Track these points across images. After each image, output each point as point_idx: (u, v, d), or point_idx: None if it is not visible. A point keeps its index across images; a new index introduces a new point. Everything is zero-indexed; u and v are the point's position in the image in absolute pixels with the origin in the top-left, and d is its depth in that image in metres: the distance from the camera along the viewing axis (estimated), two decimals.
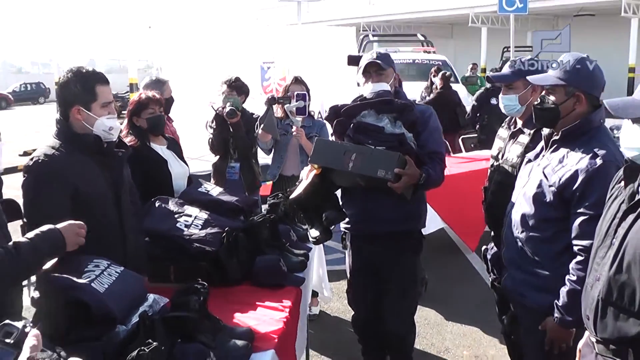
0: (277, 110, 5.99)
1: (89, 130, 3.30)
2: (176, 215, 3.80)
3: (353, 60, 5.64)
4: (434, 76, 11.80)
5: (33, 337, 1.44)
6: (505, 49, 23.52)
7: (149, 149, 4.62)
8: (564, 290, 3.08)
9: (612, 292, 2.45)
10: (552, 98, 3.26)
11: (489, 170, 4.26)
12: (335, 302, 6.37)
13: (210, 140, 6.15)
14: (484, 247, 4.29)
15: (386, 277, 4.20)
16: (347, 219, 4.22)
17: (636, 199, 2.45)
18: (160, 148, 4.73)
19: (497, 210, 3.78)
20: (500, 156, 4.08)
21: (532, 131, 3.85)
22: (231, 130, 5.97)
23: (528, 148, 3.72)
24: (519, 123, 4.04)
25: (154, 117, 4.66)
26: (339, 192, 4.35)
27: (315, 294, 5.83)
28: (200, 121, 6.52)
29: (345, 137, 4.04)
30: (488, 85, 10.40)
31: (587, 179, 3.02)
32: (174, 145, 4.94)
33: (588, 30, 24.48)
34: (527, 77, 3.59)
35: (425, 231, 6.09)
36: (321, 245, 4.93)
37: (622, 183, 2.59)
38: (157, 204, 3.87)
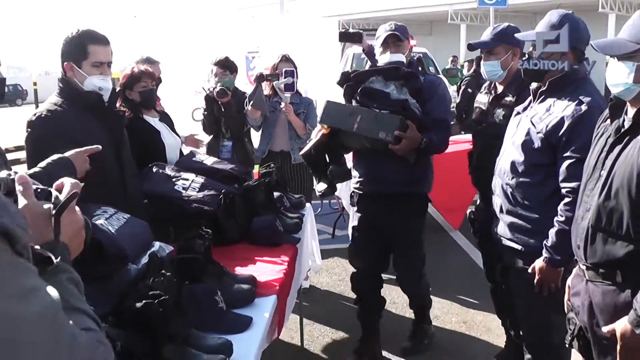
0: (266, 88, 6.10)
1: (80, 87, 3.41)
2: (174, 179, 3.90)
3: (345, 37, 5.73)
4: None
5: (19, 183, 1.50)
6: None
7: (142, 120, 4.68)
8: (552, 231, 3.21)
9: (602, 219, 2.61)
10: (538, 53, 3.38)
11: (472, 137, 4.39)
12: (325, 277, 6.50)
13: (203, 121, 6.24)
14: (469, 210, 4.45)
15: (391, 234, 4.47)
16: (355, 179, 4.49)
17: (622, 131, 2.61)
18: (153, 120, 4.80)
19: (484, 172, 3.90)
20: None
21: (515, 96, 3.95)
22: (222, 110, 6.06)
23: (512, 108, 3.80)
24: (499, 88, 4.13)
25: (147, 91, 4.72)
26: (350, 155, 4.61)
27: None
28: (185, 109, 6.62)
29: (354, 100, 4.28)
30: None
31: (572, 124, 3.16)
32: (166, 118, 5.01)
33: None
34: (517, 35, 3.75)
35: None
36: (313, 218, 5.06)
37: (608, 121, 2.75)
38: (154, 169, 3.97)
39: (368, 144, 4.10)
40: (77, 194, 1.60)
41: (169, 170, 4.01)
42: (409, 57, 4.39)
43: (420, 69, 4.52)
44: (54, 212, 1.50)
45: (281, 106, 6.02)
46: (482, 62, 4.16)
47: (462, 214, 7.70)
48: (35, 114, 3.34)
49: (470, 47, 4.22)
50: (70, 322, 1.24)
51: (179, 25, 9.50)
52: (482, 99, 4.29)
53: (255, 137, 6.53)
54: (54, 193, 1.57)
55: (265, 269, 3.35)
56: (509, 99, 4.00)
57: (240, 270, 3.27)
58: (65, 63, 3.41)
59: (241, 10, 30.71)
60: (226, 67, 6.22)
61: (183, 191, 3.81)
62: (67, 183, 1.65)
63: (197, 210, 3.69)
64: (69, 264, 1.48)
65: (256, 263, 3.45)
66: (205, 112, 6.19)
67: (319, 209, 8.22)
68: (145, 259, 2.70)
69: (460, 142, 7.64)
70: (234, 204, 3.83)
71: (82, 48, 3.41)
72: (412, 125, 4.02)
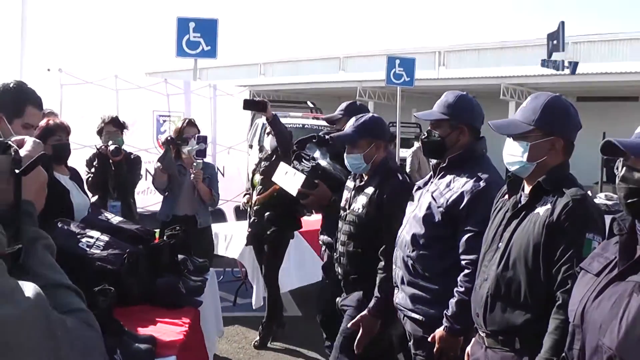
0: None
1: None
2: (78, 236, 3.85)
3: (249, 105, 5.92)
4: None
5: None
6: (391, 124, 24.39)
7: (52, 177, 4.61)
8: (452, 301, 3.34)
9: (500, 288, 2.78)
10: (437, 132, 3.62)
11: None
12: (224, 345, 6.41)
13: (89, 179, 6.11)
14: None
15: None
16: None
17: (519, 206, 2.80)
18: (63, 178, 4.74)
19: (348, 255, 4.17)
20: (347, 206, 4.27)
21: (377, 189, 4.07)
22: (113, 168, 6.04)
23: (372, 199, 4.02)
24: (365, 177, 4.22)
25: (60, 145, 4.68)
26: None
27: None
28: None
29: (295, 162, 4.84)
30: None
31: (472, 199, 3.36)
32: (76, 176, 4.97)
33: None
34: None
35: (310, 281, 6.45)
36: (215, 283, 5.07)
37: (506, 197, 2.95)
38: (59, 225, 3.91)
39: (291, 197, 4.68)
40: (46, 155, 1.50)
41: (74, 227, 3.95)
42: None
43: None
44: (17, 170, 1.38)
45: (191, 171, 6.07)
46: (345, 155, 4.24)
47: None
48: None
49: (337, 140, 4.39)
50: (57, 312, 1.26)
51: (91, 81, 9.36)
52: (349, 185, 4.41)
53: (145, 200, 6.55)
54: (13, 146, 1.44)
55: (166, 330, 3.34)
56: (370, 190, 4.08)
57: (140, 330, 3.25)
58: None
59: (153, 74, 30.72)
60: (118, 125, 6.23)
61: (87, 249, 3.76)
62: (30, 140, 1.56)
63: (100, 268, 3.65)
64: (37, 225, 1.45)
65: (157, 324, 3.43)
66: (96, 170, 6.10)
67: (222, 277, 8.19)
68: None
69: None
70: (137, 263, 3.81)
71: (19, 106, 3.30)
72: (321, 184, 4.56)
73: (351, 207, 4.19)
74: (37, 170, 1.47)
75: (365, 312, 3.93)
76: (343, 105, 5.12)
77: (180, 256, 4.35)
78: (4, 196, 1.36)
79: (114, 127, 6.20)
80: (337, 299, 4.30)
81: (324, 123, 18.76)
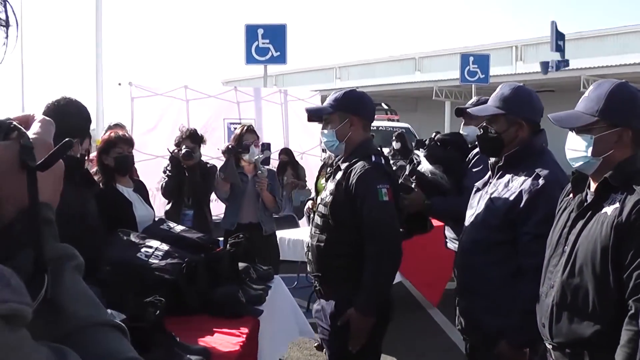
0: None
1: None
2: (138, 246, 3.84)
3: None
4: (395, 141, 11.97)
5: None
6: None
7: (115, 190, 4.64)
8: (515, 311, 3.13)
9: (566, 297, 2.56)
10: (493, 128, 3.40)
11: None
12: (296, 352, 6.33)
13: (164, 184, 6.19)
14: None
15: None
16: None
17: (584, 205, 2.58)
18: (126, 190, 4.76)
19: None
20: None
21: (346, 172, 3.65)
22: (186, 174, 6.06)
23: (339, 184, 3.63)
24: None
25: (122, 157, 4.70)
26: None
27: None
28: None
29: None
30: None
31: (530, 199, 3.12)
32: (141, 188, 4.98)
33: (549, 108, 25.09)
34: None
35: None
36: (285, 289, 4.98)
37: (571, 195, 2.73)
38: (119, 235, 3.91)
39: None
40: (70, 142, 1.06)
41: (133, 237, 3.95)
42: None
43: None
44: (30, 163, 0.99)
45: (257, 180, 6.03)
46: (320, 131, 3.90)
47: (441, 290, 7.60)
48: None
49: (309, 116, 4.05)
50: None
51: (162, 92, 9.51)
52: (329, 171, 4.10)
53: (216, 208, 6.55)
54: (20, 128, 1.04)
55: (222, 341, 3.25)
56: (339, 175, 3.69)
57: (195, 341, 3.18)
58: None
59: (228, 82, 31.14)
60: (196, 140, 6.25)
61: (146, 259, 3.74)
62: (38, 118, 1.13)
63: (158, 278, 3.62)
64: (58, 236, 1.07)
65: (213, 334, 3.35)
66: (170, 175, 6.15)
67: (295, 282, 8.12)
68: None
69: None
70: (196, 273, 3.76)
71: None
72: (416, 188, 4.27)
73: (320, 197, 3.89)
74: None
75: (352, 310, 3.52)
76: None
77: (242, 264, 4.29)
78: (12, 199, 0.99)
79: (191, 142, 6.21)
80: None
81: (399, 124, 18.74)
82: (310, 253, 3.81)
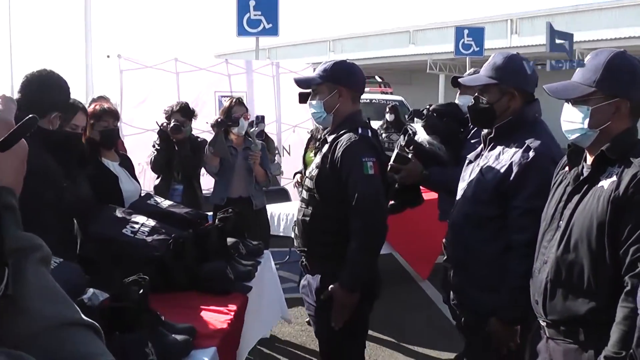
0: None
1: None
2: (123, 222, 3.76)
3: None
4: (389, 113, 11.89)
5: None
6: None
7: (100, 164, 4.55)
8: (505, 287, 3.06)
9: (561, 273, 2.49)
10: (485, 98, 3.30)
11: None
12: (287, 327, 6.28)
13: (153, 158, 6.11)
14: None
15: None
16: None
17: (580, 179, 2.50)
18: (112, 164, 4.67)
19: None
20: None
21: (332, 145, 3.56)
22: (176, 148, 5.96)
23: (325, 157, 3.55)
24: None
25: (107, 130, 4.60)
26: None
27: None
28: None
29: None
30: None
31: (520, 172, 3.04)
32: (126, 162, 4.89)
33: (543, 81, 24.97)
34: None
35: None
36: (273, 266, 4.92)
37: (566, 169, 2.65)
38: (103, 211, 3.83)
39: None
40: (34, 119, 1.02)
41: (119, 213, 3.87)
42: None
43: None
44: None
45: (251, 153, 5.95)
46: (308, 102, 3.79)
47: (431, 263, 7.56)
48: None
49: (300, 88, 3.95)
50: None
51: (152, 64, 9.37)
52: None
53: (206, 183, 6.47)
54: None
55: (209, 318, 3.18)
56: (325, 149, 3.61)
57: (182, 318, 3.11)
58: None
59: (221, 56, 30.94)
60: (187, 114, 6.14)
61: (132, 235, 3.66)
62: None
63: (144, 254, 3.54)
64: (21, 224, 1.00)
65: (201, 312, 3.27)
66: (158, 149, 6.05)
67: (287, 257, 8.06)
68: None
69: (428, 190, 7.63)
70: (183, 249, 3.69)
71: None
72: (413, 159, 4.06)
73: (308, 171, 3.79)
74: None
75: (337, 285, 3.44)
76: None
77: (231, 240, 4.22)
78: None
79: (182, 116, 6.09)
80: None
81: (392, 97, 18.62)
82: (296, 227, 3.73)
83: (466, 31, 18.87)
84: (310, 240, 3.61)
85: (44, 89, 3.32)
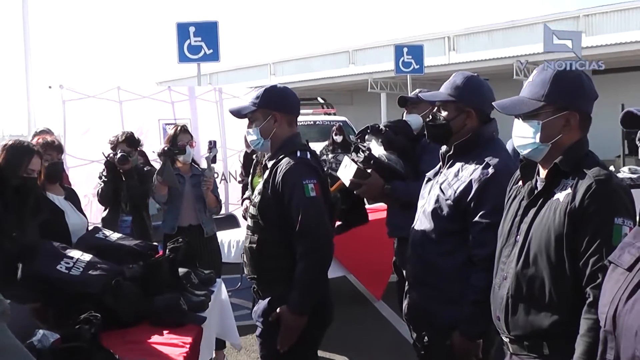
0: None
1: None
2: (57, 258, 3.61)
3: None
4: (335, 134, 11.91)
5: None
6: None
7: (45, 198, 4.45)
8: (466, 301, 3.08)
9: (522, 287, 2.49)
10: (443, 114, 3.37)
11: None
12: (243, 356, 6.21)
13: (100, 190, 6.02)
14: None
15: None
16: None
17: (535, 193, 2.53)
18: (57, 198, 4.58)
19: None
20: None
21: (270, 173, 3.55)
22: (123, 179, 5.89)
23: (266, 183, 3.52)
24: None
25: (51, 165, 4.52)
26: None
27: (221, 346, 5.73)
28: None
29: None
30: None
31: (480, 188, 3.09)
32: (72, 195, 4.80)
33: None
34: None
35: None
36: (225, 294, 4.87)
37: (520, 183, 2.68)
38: (39, 246, 3.70)
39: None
40: None
41: (53, 248, 3.73)
42: (426, 117, 4.03)
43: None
44: None
45: (205, 179, 5.95)
46: (246, 130, 3.77)
47: (384, 283, 7.57)
48: None
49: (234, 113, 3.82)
50: None
51: (95, 94, 9.25)
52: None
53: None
54: None
55: (165, 352, 3.12)
56: (266, 175, 3.59)
57: (136, 354, 3.04)
58: None
59: (163, 83, 30.73)
60: (132, 144, 6.11)
61: (65, 271, 3.51)
62: None
63: (78, 292, 3.40)
64: None
65: (155, 346, 3.21)
66: (105, 180, 5.97)
67: (239, 284, 7.97)
68: None
69: (378, 209, 7.66)
70: (121, 285, 3.57)
71: None
72: (373, 173, 4.23)
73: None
74: None
75: (284, 307, 3.39)
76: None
77: (182, 270, 4.15)
78: None
79: (127, 146, 6.03)
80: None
81: (336, 118, 18.72)
82: (244, 255, 3.68)
83: (405, 49, 19.07)
84: (259, 266, 3.56)
85: None
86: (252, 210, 3.60)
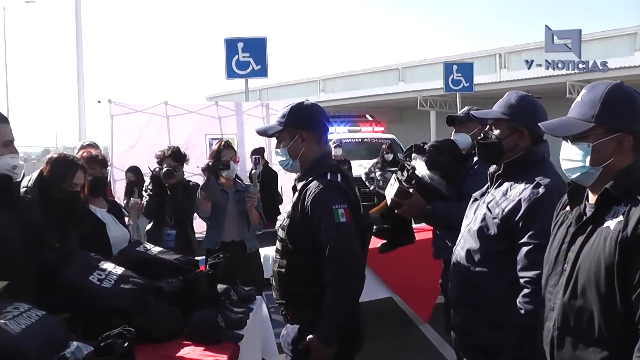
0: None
1: None
2: (90, 269, 3.58)
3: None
4: (386, 152, 11.87)
5: None
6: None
7: (87, 211, 4.47)
8: (512, 326, 2.94)
9: (569, 320, 2.33)
10: (495, 132, 3.27)
11: None
12: None
13: (145, 203, 6.06)
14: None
15: None
16: None
17: (583, 219, 2.39)
18: (99, 211, 4.61)
19: None
20: None
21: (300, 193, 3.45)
22: (168, 193, 5.91)
23: (295, 205, 3.41)
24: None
25: (95, 179, 4.55)
26: None
27: None
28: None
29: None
30: None
31: (529, 208, 2.96)
32: (115, 209, 4.82)
33: None
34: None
35: (371, 297, 6.06)
36: (265, 311, 4.82)
37: (568, 208, 2.53)
38: (73, 257, 3.69)
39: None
40: None
41: (89, 259, 3.72)
42: (474, 136, 4.15)
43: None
44: None
45: (250, 195, 5.95)
46: (275, 150, 3.71)
47: (431, 304, 7.41)
48: None
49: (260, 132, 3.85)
50: None
51: (142, 109, 9.37)
52: None
53: (199, 226, 6.41)
54: None
55: None
56: (295, 197, 3.49)
57: None
58: None
59: (213, 98, 31.09)
60: (178, 159, 6.14)
61: (97, 283, 3.46)
62: None
63: (108, 305, 3.36)
64: None
65: None
66: (151, 194, 6.00)
67: None
68: None
69: (425, 229, 7.55)
70: (150, 306, 3.51)
71: None
72: (415, 193, 4.20)
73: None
74: None
75: (313, 337, 3.29)
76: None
77: (222, 286, 4.11)
78: None
79: (174, 160, 6.06)
80: None
81: (384, 135, 18.63)
82: (273, 279, 3.59)
83: (455, 67, 18.94)
84: (287, 291, 3.46)
85: None
86: (280, 233, 3.50)
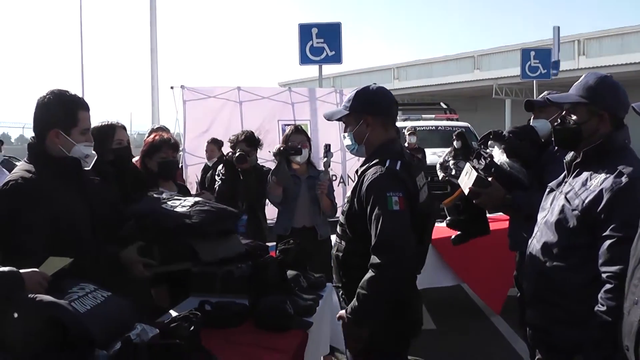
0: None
1: (64, 154, 3.20)
2: (164, 200, 3.73)
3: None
4: (455, 140, 11.72)
5: None
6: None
7: (141, 174, 4.50)
8: (593, 323, 2.77)
9: None
10: (573, 117, 3.08)
11: None
12: None
13: (218, 188, 6.06)
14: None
15: None
16: None
17: None
18: None
19: None
20: None
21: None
22: (241, 178, 5.89)
23: (354, 191, 3.36)
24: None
25: (165, 162, 4.57)
26: None
27: (333, 351, 5.61)
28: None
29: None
30: None
31: (612, 199, 2.79)
32: (184, 193, 4.83)
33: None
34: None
35: (439, 283, 5.90)
36: (335, 299, 4.75)
37: None
38: (148, 194, 3.88)
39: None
40: None
41: (163, 195, 3.86)
42: (554, 122, 3.83)
43: None
44: None
45: (319, 182, 5.87)
46: (342, 135, 3.67)
47: (504, 296, 7.24)
48: (8, 182, 3.10)
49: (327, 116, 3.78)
50: None
51: (215, 94, 9.40)
52: None
53: (270, 212, 6.39)
54: None
55: (267, 357, 3.00)
56: (354, 184, 3.44)
57: (236, 357, 2.94)
58: (53, 130, 3.19)
59: (286, 84, 31.22)
60: (252, 144, 6.12)
61: (170, 209, 3.60)
62: None
63: (179, 223, 3.44)
64: None
65: (257, 350, 3.08)
66: (223, 179, 5.99)
67: None
68: (118, 345, 2.41)
69: (499, 219, 7.34)
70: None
71: (72, 114, 3.22)
72: (494, 182, 4.02)
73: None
74: None
75: (343, 312, 3.30)
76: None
77: (292, 272, 4.05)
78: None
79: (247, 145, 6.06)
80: None
81: (458, 124, 18.31)
82: (333, 262, 3.57)
83: (532, 53, 18.44)
84: (344, 276, 3.44)
85: (46, 109, 3.24)
86: (341, 218, 3.47)
